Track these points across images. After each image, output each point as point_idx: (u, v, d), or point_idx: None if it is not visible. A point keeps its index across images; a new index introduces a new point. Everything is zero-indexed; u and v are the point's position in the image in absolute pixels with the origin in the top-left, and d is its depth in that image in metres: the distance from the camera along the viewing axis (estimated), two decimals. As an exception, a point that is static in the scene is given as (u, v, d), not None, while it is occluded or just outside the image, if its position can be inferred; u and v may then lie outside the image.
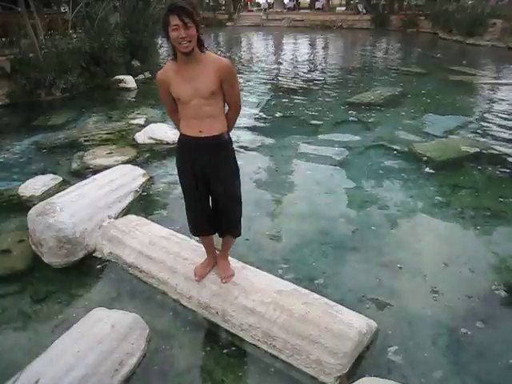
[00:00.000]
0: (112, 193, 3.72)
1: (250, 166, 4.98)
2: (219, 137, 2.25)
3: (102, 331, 2.24)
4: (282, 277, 2.82)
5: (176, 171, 2.44)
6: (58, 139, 6.07)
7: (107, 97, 9.04)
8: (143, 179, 4.35)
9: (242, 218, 2.53)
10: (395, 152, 5.44)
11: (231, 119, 2.35)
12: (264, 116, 7.20)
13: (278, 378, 2.25)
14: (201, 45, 2.10)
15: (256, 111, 7.52)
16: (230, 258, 2.78)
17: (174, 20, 1.95)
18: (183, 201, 2.48)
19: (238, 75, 2.51)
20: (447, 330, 2.53)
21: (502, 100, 8.44)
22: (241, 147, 5.54)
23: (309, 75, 11.44)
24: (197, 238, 3.18)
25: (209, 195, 2.42)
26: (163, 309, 2.71)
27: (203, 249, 2.84)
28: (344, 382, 2.15)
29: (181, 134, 2.33)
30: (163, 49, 14.62)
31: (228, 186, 2.36)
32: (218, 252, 2.70)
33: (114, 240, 3.20)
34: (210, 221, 2.48)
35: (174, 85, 2.17)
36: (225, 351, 2.40)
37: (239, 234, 2.57)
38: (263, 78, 10.79)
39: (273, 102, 8.26)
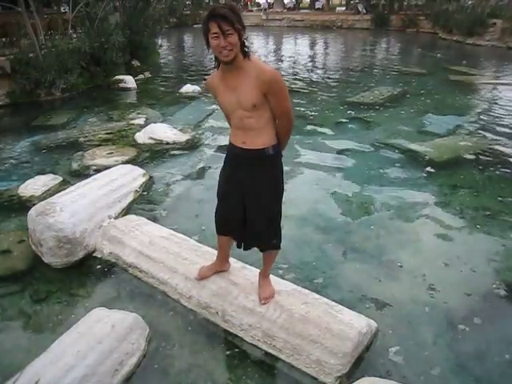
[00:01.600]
0: (112, 193, 3.72)
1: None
2: (262, 151, 2.12)
3: (102, 331, 2.24)
4: (282, 277, 2.82)
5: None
6: (58, 139, 6.07)
7: (107, 97, 9.04)
8: (143, 179, 4.35)
9: (280, 234, 2.43)
10: (395, 152, 5.44)
11: (282, 135, 2.18)
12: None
13: (278, 377, 2.25)
14: (245, 51, 1.96)
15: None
16: (230, 258, 2.78)
17: (214, 28, 1.84)
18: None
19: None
20: (447, 330, 2.53)
21: (502, 100, 8.44)
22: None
23: (309, 75, 11.45)
24: (197, 238, 3.19)
25: (243, 202, 2.29)
26: (163, 309, 2.71)
27: (203, 249, 2.84)
28: (344, 382, 2.15)
29: (229, 142, 2.28)
30: (163, 49, 14.61)
31: (262, 202, 2.23)
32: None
33: (113, 240, 3.20)
34: (237, 224, 2.35)
35: (219, 94, 2.10)
36: (225, 351, 2.40)
37: (273, 248, 2.41)
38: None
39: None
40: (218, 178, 2.41)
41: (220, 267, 2.66)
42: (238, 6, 32.59)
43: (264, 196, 2.24)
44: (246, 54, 1.97)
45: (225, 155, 2.35)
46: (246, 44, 1.96)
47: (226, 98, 2.08)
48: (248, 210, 2.28)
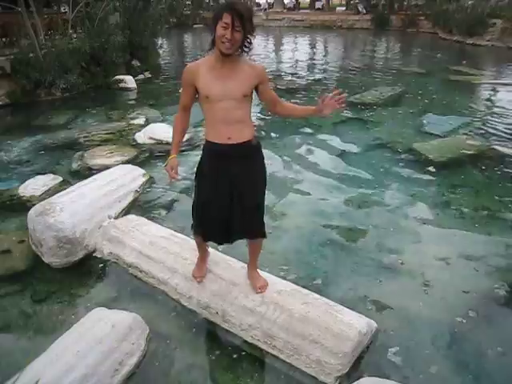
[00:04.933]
0: (112, 193, 3.72)
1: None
2: (249, 143, 2.19)
3: (102, 331, 2.24)
4: (282, 277, 2.81)
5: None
6: (58, 139, 6.08)
7: (107, 97, 9.04)
8: (143, 179, 4.35)
9: (264, 221, 2.43)
10: (395, 152, 5.44)
11: (289, 108, 2.39)
12: (263, 116, 7.19)
13: (278, 377, 2.25)
14: (244, 48, 2.07)
15: (255, 111, 7.52)
16: (229, 257, 2.79)
17: (227, 18, 1.91)
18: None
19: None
20: (447, 330, 2.53)
21: (502, 100, 8.44)
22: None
23: (308, 75, 11.45)
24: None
25: (229, 202, 2.26)
26: (163, 309, 2.71)
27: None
28: (344, 381, 2.15)
29: (207, 141, 2.23)
30: (163, 49, 14.61)
31: (256, 192, 2.29)
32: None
33: (113, 240, 3.20)
34: (226, 229, 2.34)
35: (203, 81, 2.08)
36: (225, 351, 2.40)
37: (263, 236, 2.45)
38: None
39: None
40: None
41: (206, 257, 2.70)
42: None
43: (257, 186, 2.30)
44: (244, 51, 2.08)
45: (202, 157, 2.31)
46: (250, 43, 2.06)
47: (212, 85, 2.08)
48: (240, 203, 2.26)
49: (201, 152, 2.35)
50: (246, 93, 2.10)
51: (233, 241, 2.45)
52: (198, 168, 2.35)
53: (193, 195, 2.47)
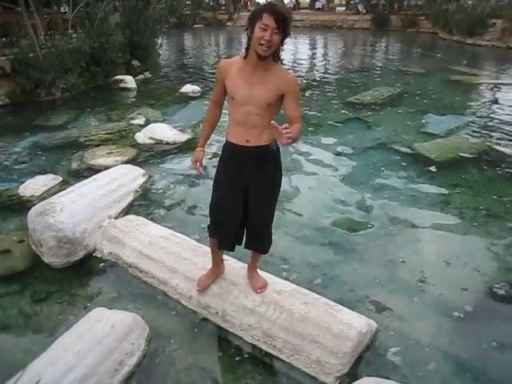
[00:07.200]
0: (112, 193, 3.72)
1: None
2: (267, 147, 2.15)
3: (102, 331, 2.24)
4: (282, 277, 2.82)
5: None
6: (58, 139, 6.07)
7: (107, 97, 9.04)
8: (143, 179, 4.35)
9: (272, 235, 2.44)
10: (395, 152, 5.44)
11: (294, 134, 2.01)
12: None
13: (278, 378, 2.25)
14: (277, 54, 2.06)
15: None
16: (228, 257, 2.79)
17: (267, 20, 1.89)
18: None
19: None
20: (446, 329, 2.54)
21: (502, 100, 8.44)
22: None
23: (308, 75, 11.44)
24: (197, 238, 3.19)
25: (243, 206, 2.27)
26: (163, 309, 2.71)
27: (203, 249, 2.84)
28: (344, 381, 2.15)
29: (227, 141, 2.23)
30: (163, 49, 14.60)
31: (266, 200, 2.27)
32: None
33: (113, 240, 3.20)
34: (238, 233, 2.37)
35: (231, 81, 2.09)
36: (225, 351, 2.40)
37: (267, 251, 2.48)
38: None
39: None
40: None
41: (218, 271, 2.64)
42: (238, 6, 32.72)
43: (269, 194, 2.28)
44: (277, 58, 2.07)
45: (220, 157, 2.30)
46: (281, 48, 2.06)
47: (238, 87, 2.07)
48: (251, 210, 2.27)
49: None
50: (270, 102, 2.06)
51: (247, 247, 2.44)
52: (217, 167, 2.33)
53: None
